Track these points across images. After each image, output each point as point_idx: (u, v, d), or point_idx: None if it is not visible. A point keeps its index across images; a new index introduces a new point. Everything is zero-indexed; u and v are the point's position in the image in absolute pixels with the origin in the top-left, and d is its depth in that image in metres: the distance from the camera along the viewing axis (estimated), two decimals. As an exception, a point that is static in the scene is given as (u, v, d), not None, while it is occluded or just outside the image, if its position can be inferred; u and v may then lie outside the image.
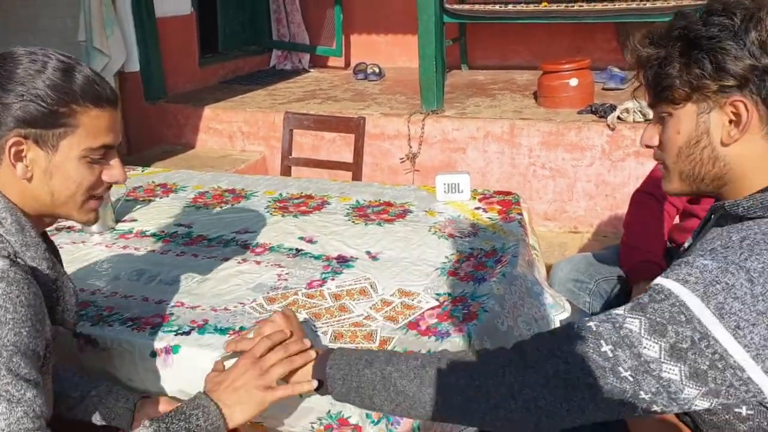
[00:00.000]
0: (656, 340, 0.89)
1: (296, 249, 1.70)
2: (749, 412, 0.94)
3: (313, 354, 1.13)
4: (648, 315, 0.91)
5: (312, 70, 6.13)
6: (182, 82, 5.29)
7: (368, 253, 1.65)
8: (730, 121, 0.98)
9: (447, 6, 4.65)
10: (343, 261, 1.61)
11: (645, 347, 0.90)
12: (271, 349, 1.13)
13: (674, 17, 1.05)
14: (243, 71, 5.99)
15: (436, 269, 1.53)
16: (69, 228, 1.90)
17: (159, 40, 4.92)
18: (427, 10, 3.95)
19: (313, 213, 1.93)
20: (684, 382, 0.88)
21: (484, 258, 1.57)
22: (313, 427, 1.21)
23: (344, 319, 1.34)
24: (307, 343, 1.15)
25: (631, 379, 0.90)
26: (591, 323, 0.95)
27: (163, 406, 1.21)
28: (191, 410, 1.06)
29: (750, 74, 0.95)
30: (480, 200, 1.94)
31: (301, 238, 1.76)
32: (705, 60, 0.97)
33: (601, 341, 0.92)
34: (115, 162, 1.11)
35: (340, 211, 1.94)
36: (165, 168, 3.40)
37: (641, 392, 0.90)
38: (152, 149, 4.84)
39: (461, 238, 1.69)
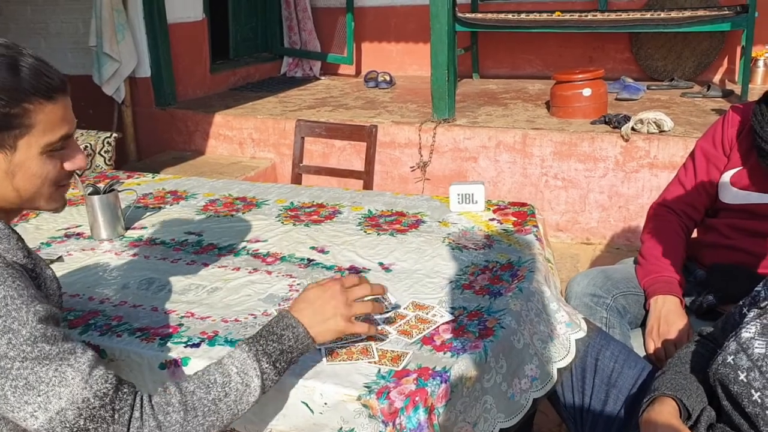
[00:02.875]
0: None
1: (308, 259, 1.67)
2: None
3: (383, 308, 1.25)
4: None
5: (323, 77, 6.13)
6: (193, 88, 5.29)
7: (381, 264, 1.62)
8: None
9: (459, 15, 4.64)
10: (356, 272, 1.58)
11: None
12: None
13: None
14: (254, 78, 5.99)
15: (451, 282, 1.50)
16: (78, 235, 1.89)
17: (170, 45, 4.93)
18: (440, 19, 3.93)
19: (325, 222, 1.91)
20: None
21: (499, 271, 1.53)
22: (324, 444, 1.18)
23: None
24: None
25: None
26: None
27: None
28: (282, 330, 1.11)
29: None
30: (495, 211, 1.91)
31: (313, 248, 1.73)
32: None
33: None
34: (74, 148, 1.08)
35: (352, 220, 1.92)
36: (175, 174, 3.39)
37: None
38: (162, 155, 4.84)
39: (476, 250, 1.66)
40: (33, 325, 0.93)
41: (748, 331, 1.13)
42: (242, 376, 1.05)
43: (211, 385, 1.03)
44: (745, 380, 1.10)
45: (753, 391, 1.08)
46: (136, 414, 0.97)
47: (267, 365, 1.07)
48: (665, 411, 1.20)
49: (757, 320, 1.14)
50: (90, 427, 0.93)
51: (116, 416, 0.95)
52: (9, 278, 0.94)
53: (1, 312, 0.91)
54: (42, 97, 0.99)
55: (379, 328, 1.29)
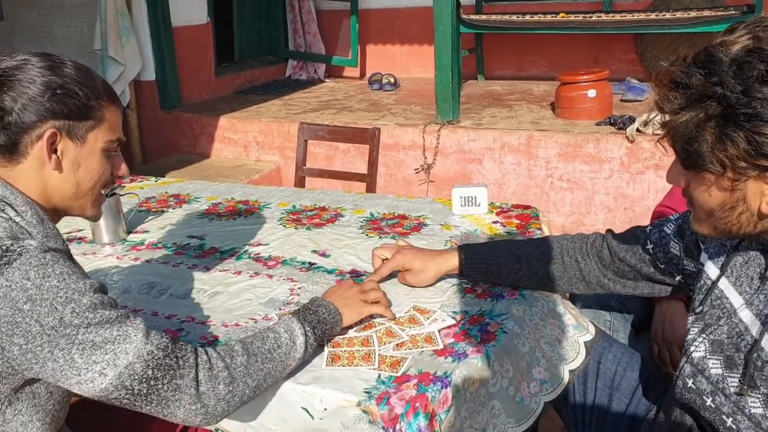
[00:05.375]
0: None
1: (309, 262, 1.66)
2: None
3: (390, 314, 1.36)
4: None
5: (327, 80, 6.13)
6: (198, 91, 5.30)
7: (383, 267, 1.61)
8: None
9: (464, 16, 4.63)
10: (357, 275, 1.57)
11: None
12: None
13: (714, 62, 0.89)
14: (259, 81, 5.99)
15: (453, 285, 1.49)
16: (80, 239, 1.88)
17: (175, 49, 4.94)
18: (444, 21, 3.92)
19: (327, 225, 1.90)
20: None
21: (502, 274, 1.52)
22: (324, 450, 1.17)
23: (357, 337, 1.30)
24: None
25: None
26: None
27: None
28: (315, 307, 1.26)
29: None
30: (498, 214, 1.90)
31: (315, 252, 1.72)
32: (741, 141, 0.87)
33: None
34: (121, 158, 1.21)
35: (354, 223, 1.91)
36: (179, 178, 3.39)
37: None
38: (167, 158, 4.85)
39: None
40: (91, 295, 1.00)
41: (698, 350, 1.08)
42: (289, 334, 1.18)
43: (265, 339, 1.15)
44: (713, 406, 1.04)
45: (725, 417, 1.03)
46: (203, 357, 1.07)
47: (308, 328, 1.20)
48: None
49: (704, 335, 1.08)
50: (158, 376, 1.01)
51: (180, 362, 1.03)
52: (61, 259, 1.00)
53: (62, 285, 0.97)
54: (109, 98, 1.13)
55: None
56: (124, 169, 1.21)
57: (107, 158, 1.15)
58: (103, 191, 1.19)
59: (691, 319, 1.13)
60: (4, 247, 0.97)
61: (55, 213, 1.14)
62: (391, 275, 1.51)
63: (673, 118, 0.94)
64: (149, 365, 1.00)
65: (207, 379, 1.05)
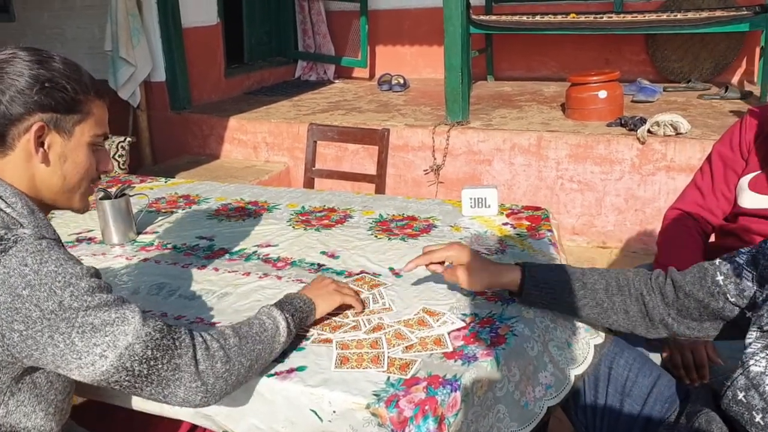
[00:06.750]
0: None
1: (318, 264, 1.66)
2: None
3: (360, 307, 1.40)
4: None
5: (337, 81, 6.13)
6: (208, 92, 5.31)
7: (391, 269, 1.60)
8: None
9: (473, 17, 4.62)
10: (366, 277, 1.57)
11: None
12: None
13: None
14: (268, 82, 6.00)
15: (463, 288, 1.48)
16: (90, 240, 1.89)
17: (185, 50, 4.95)
18: (454, 21, 3.91)
19: (336, 227, 1.90)
20: None
21: (512, 277, 1.51)
22: (333, 453, 1.17)
23: (366, 339, 1.29)
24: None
25: None
26: None
27: None
28: (291, 299, 1.31)
29: None
30: (508, 215, 1.89)
31: (324, 253, 1.72)
32: None
33: None
34: (106, 153, 1.23)
35: (363, 225, 1.90)
36: (189, 179, 3.40)
37: None
38: (177, 159, 4.86)
39: (489, 255, 1.64)
40: (88, 279, 1.01)
41: (757, 365, 1.04)
42: (272, 320, 1.22)
43: (251, 324, 1.19)
44: (762, 423, 1.01)
45: None
46: (199, 339, 1.09)
47: (288, 314, 1.25)
48: None
49: (766, 351, 1.05)
50: (158, 356, 1.03)
51: (178, 342, 1.06)
52: (56, 245, 1.02)
53: (59, 270, 0.98)
54: (96, 93, 1.14)
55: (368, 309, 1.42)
56: (108, 165, 1.22)
57: (93, 152, 1.16)
58: (91, 185, 1.20)
59: (755, 334, 1.09)
60: None
61: (43, 206, 1.14)
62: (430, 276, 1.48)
63: None
64: (148, 346, 1.02)
65: (205, 358, 1.07)
